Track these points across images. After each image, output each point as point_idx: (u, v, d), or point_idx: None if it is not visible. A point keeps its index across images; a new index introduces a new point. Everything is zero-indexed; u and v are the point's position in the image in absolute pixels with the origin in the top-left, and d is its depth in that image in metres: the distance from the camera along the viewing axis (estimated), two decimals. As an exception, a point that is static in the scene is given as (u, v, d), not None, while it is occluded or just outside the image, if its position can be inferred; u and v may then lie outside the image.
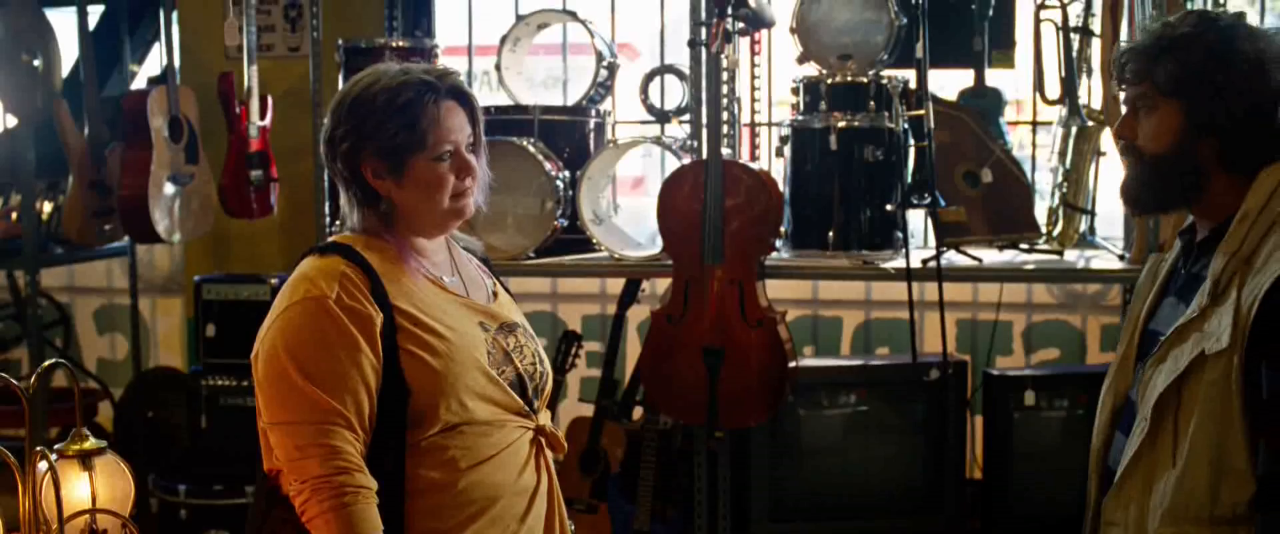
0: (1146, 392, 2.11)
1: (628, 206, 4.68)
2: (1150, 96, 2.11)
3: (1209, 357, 2.01)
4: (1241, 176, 2.10)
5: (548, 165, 4.24)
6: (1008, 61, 4.74)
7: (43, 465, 1.86)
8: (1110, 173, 4.51)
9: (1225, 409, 2.00)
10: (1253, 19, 4.75)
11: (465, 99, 2.31)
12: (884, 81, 4.13)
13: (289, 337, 2.17)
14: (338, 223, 2.46)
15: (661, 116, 4.55)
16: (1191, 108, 2.06)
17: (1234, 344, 1.98)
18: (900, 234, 4.13)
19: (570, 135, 4.49)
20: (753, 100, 4.67)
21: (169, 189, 4.78)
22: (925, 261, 4.11)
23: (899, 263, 4.06)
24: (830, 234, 4.10)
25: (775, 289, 4.13)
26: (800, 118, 4.20)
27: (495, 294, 2.47)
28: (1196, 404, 2.03)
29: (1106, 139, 4.30)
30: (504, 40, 4.61)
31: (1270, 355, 1.95)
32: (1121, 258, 4.29)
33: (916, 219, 4.55)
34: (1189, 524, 2.03)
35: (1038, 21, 4.40)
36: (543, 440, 2.38)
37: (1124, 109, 2.20)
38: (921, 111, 4.05)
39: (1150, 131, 2.12)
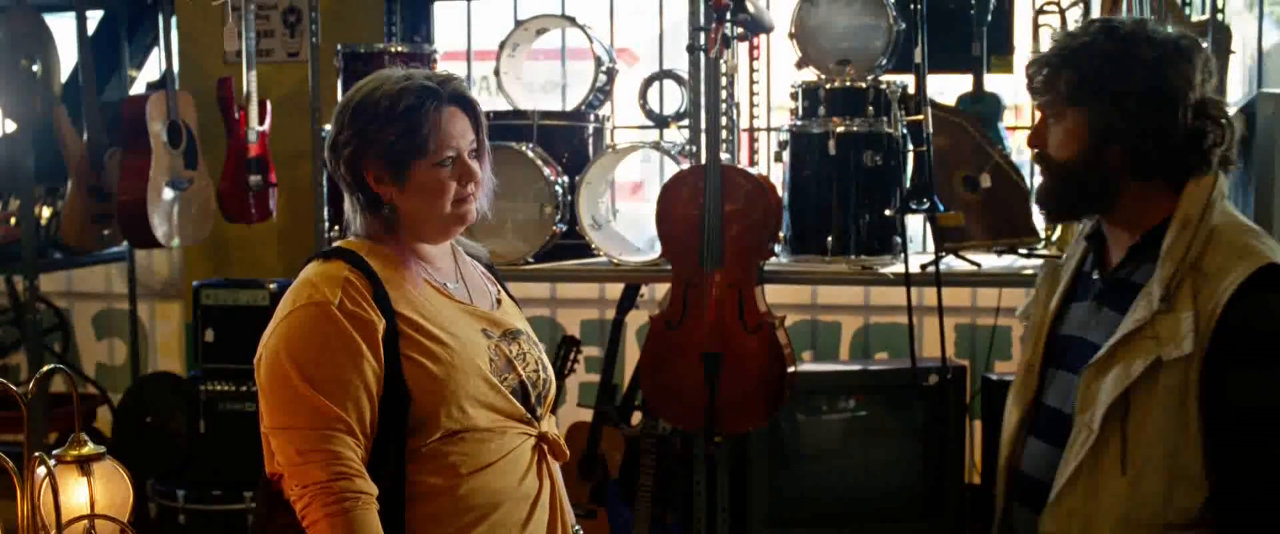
0: (1089, 400, 2.11)
1: (626, 211, 4.68)
2: (1056, 105, 2.14)
3: (1166, 363, 2.02)
4: (1158, 183, 2.13)
5: (546, 170, 4.23)
6: (1006, 66, 4.74)
7: (41, 471, 1.86)
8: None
9: (1181, 416, 2.01)
10: (1250, 23, 4.76)
11: (468, 104, 2.31)
12: (883, 86, 4.13)
13: (292, 342, 2.17)
14: (336, 229, 2.46)
15: (660, 121, 4.55)
16: (1094, 115, 2.09)
17: (1195, 350, 1.99)
18: (899, 239, 4.13)
19: (569, 140, 4.49)
20: (751, 105, 4.67)
21: (168, 194, 4.78)
22: (924, 266, 4.11)
23: (898, 268, 4.06)
24: (829, 239, 4.09)
25: (774, 294, 4.12)
26: (799, 123, 4.20)
27: (499, 301, 2.47)
28: (1149, 411, 2.04)
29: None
30: (503, 45, 4.61)
31: (1238, 363, 1.98)
32: (1120, 263, 4.28)
33: (915, 224, 4.55)
34: (1142, 530, 2.05)
35: (1036, 26, 4.40)
36: (545, 447, 2.38)
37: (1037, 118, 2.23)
38: (920, 116, 4.05)
39: (1058, 140, 2.15)
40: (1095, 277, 2.28)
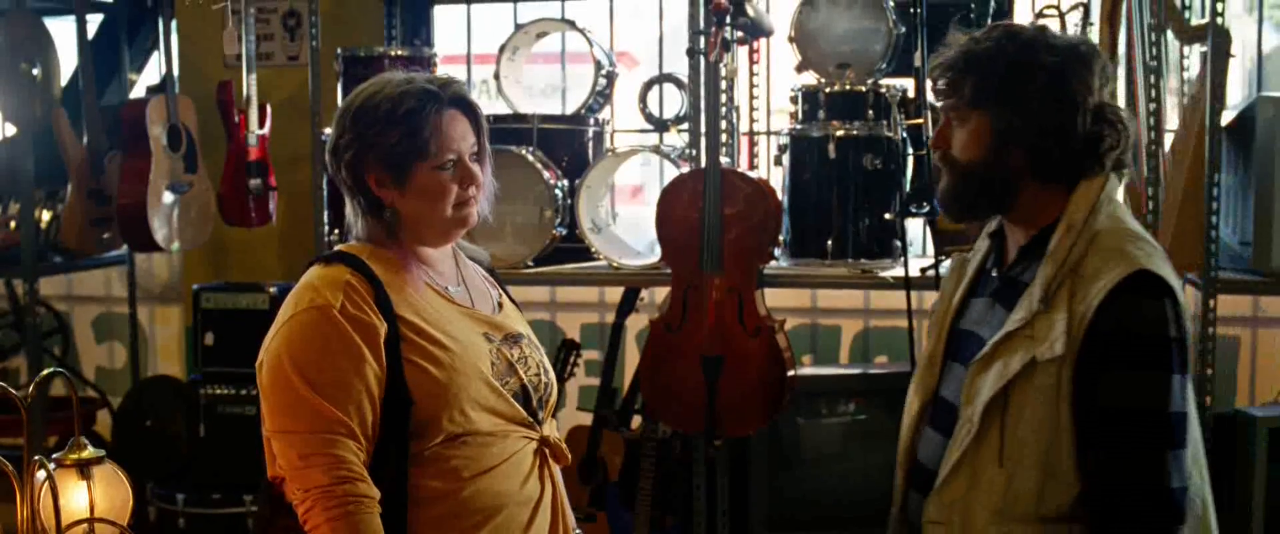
0: (972, 394, 2.17)
1: (626, 215, 4.68)
2: (960, 109, 2.19)
3: (1040, 363, 2.09)
4: (1054, 185, 2.19)
5: (546, 174, 4.24)
6: (1006, 70, 4.73)
7: (41, 474, 1.86)
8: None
9: (1054, 414, 2.08)
10: (1249, 27, 4.76)
11: (469, 108, 2.32)
12: (882, 90, 4.13)
13: (293, 345, 2.17)
14: (336, 233, 2.46)
15: (660, 125, 4.56)
16: (997, 119, 2.14)
17: (1067, 352, 2.06)
18: (899, 242, 4.13)
19: (569, 144, 4.49)
20: (751, 109, 4.67)
21: (168, 198, 4.78)
22: (924, 270, 4.11)
23: (898, 271, 4.06)
24: (829, 243, 4.10)
25: (774, 298, 4.12)
26: (799, 126, 4.20)
27: (501, 305, 2.48)
28: (1025, 408, 2.11)
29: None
30: (503, 49, 4.62)
31: (1106, 365, 2.04)
32: (1120, 266, 4.28)
33: (915, 227, 4.55)
34: (1016, 523, 2.11)
35: (1036, 30, 4.40)
36: (547, 451, 2.38)
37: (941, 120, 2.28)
38: (920, 120, 4.05)
39: (962, 142, 2.20)
40: (994, 274, 2.35)
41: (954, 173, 2.23)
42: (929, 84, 2.27)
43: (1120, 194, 2.21)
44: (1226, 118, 3.96)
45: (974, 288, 2.39)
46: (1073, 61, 2.12)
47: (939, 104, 2.26)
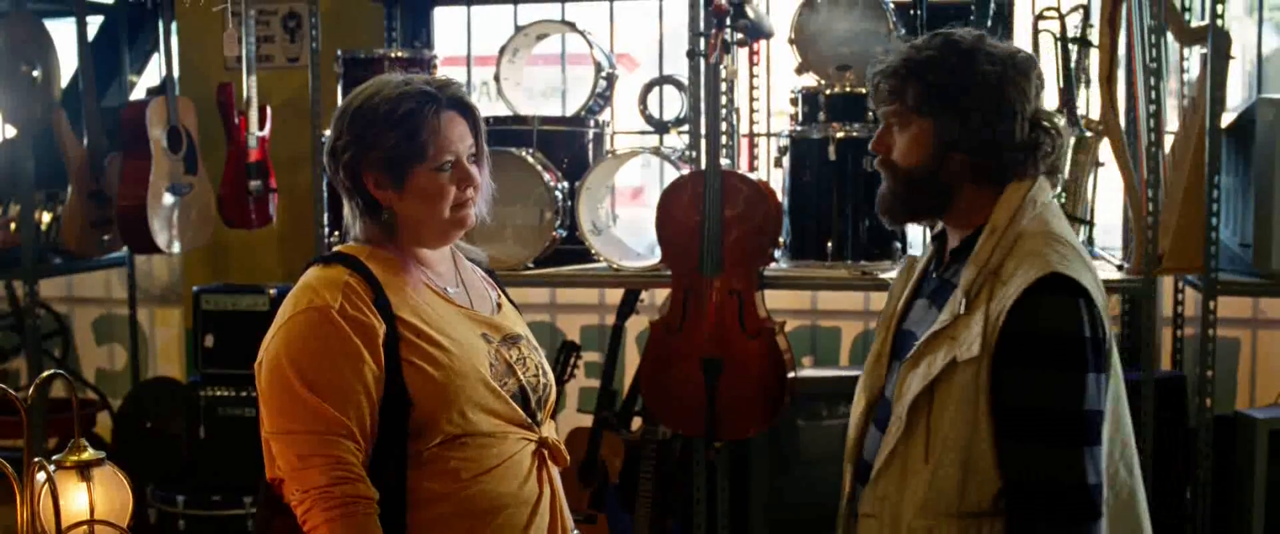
0: (901, 392, 2.23)
1: (626, 217, 4.68)
2: (903, 115, 2.24)
3: (960, 363, 2.14)
4: (989, 188, 2.25)
5: (546, 176, 4.24)
6: (1006, 72, 4.73)
7: (41, 476, 1.86)
8: (1109, 183, 4.51)
9: (974, 413, 2.12)
10: (1249, 29, 4.76)
11: (467, 110, 2.32)
12: (883, 92, 4.13)
13: (292, 346, 2.18)
14: (336, 234, 2.46)
15: (660, 127, 4.56)
16: (939, 126, 2.19)
17: (983, 353, 2.11)
18: (899, 244, 4.14)
19: (569, 146, 4.49)
20: (751, 111, 4.67)
21: (168, 199, 4.78)
22: (924, 272, 4.11)
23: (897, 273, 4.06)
24: (829, 244, 4.10)
25: (774, 299, 4.13)
26: (799, 128, 4.20)
27: (499, 306, 2.48)
28: (947, 406, 2.16)
29: (1105, 150, 4.31)
30: (503, 51, 4.62)
31: (1015, 364, 2.09)
32: (1120, 268, 4.29)
33: (915, 230, 4.55)
34: (939, 518, 2.16)
35: (1036, 32, 4.41)
36: (546, 452, 2.38)
37: (881, 125, 2.33)
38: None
39: (903, 147, 2.25)
40: (934, 275, 2.41)
41: (894, 177, 2.28)
42: (870, 90, 2.32)
43: (1050, 196, 2.25)
44: (1226, 119, 3.96)
45: (918, 289, 2.46)
46: (1012, 71, 2.19)
47: (879, 109, 2.31)
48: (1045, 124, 2.22)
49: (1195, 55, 4.30)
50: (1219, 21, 3.79)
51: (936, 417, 2.17)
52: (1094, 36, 4.31)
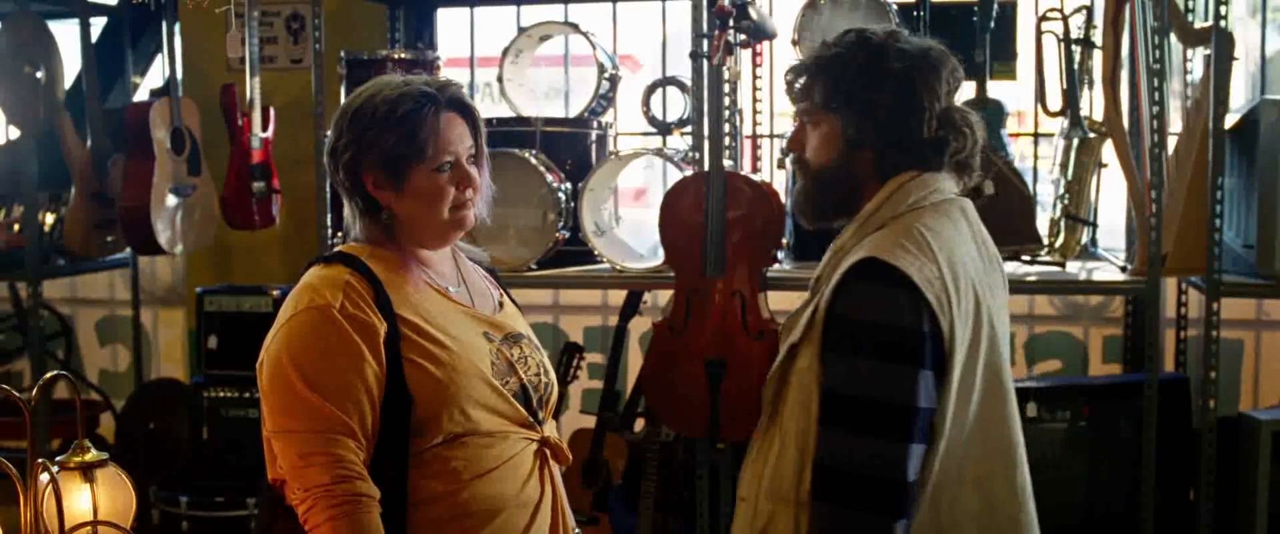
0: (768, 378, 2.24)
1: (629, 218, 4.68)
2: (813, 113, 2.22)
3: (798, 347, 2.14)
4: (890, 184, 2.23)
5: (549, 177, 4.24)
6: (1009, 73, 4.74)
7: (44, 477, 1.86)
8: (1112, 185, 4.51)
9: (809, 397, 2.11)
10: (1253, 30, 4.76)
11: (466, 110, 2.32)
12: (886, 93, 4.13)
13: (293, 345, 2.18)
14: (339, 235, 2.47)
15: (663, 128, 4.56)
16: (846, 123, 2.17)
17: (812, 335, 2.10)
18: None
19: (572, 147, 4.49)
20: (754, 112, 4.67)
21: (171, 200, 4.78)
22: (927, 273, 4.11)
23: (901, 274, 4.05)
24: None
25: (777, 301, 4.12)
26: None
27: (501, 305, 2.48)
28: (790, 391, 2.16)
29: (1108, 151, 4.31)
30: (506, 52, 4.62)
31: (828, 349, 2.06)
32: (1123, 269, 4.29)
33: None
34: (780, 502, 2.15)
35: (1039, 33, 4.41)
36: (547, 452, 2.38)
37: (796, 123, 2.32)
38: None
39: (814, 145, 2.24)
40: None
41: (806, 176, 2.27)
42: (784, 87, 2.30)
43: (943, 192, 2.20)
44: (1230, 121, 3.96)
45: None
46: (921, 67, 2.16)
47: (793, 108, 2.29)
48: (955, 121, 2.19)
49: (1198, 56, 4.29)
50: (1222, 23, 3.78)
51: (784, 402, 2.17)
52: (1097, 38, 4.31)
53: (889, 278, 2.03)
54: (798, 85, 2.24)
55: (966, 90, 4.63)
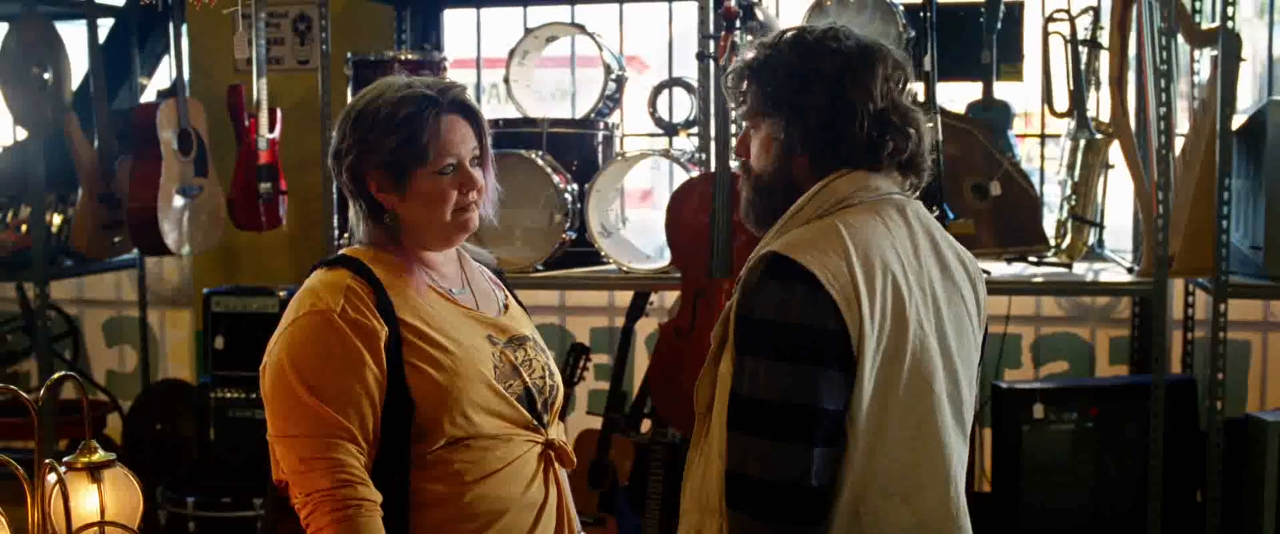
0: (700, 384, 2.15)
1: (636, 219, 4.68)
2: (751, 117, 2.17)
3: (722, 352, 2.05)
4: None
5: (556, 178, 4.24)
6: (1016, 74, 4.74)
7: (52, 477, 1.86)
8: (1119, 185, 4.51)
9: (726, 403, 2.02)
10: (1260, 31, 4.75)
11: (469, 112, 2.31)
12: (892, 94, 4.12)
13: (294, 351, 2.18)
14: (346, 236, 2.47)
15: (670, 129, 4.56)
16: (780, 126, 2.11)
17: (725, 339, 2.02)
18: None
19: (579, 148, 4.49)
20: (761, 113, 4.66)
21: (178, 201, 4.79)
22: (934, 274, 4.10)
23: (907, 275, 4.05)
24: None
25: (783, 302, 4.12)
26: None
27: (506, 307, 2.47)
28: (719, 398, 2.05)
29: (1115, 152, 4.30)
30: (512, 53, 4.62)
31: (737, 348, 1.98)
32: (1130, 270, 4.28)
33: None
34: (705, 513, 2.07)
35: (1046, 34, 4.40)
36: (552, 454, 2.38)
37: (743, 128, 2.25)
38: (930, 124, 4.05)
39: (755, 151, 2.18)
40: None
41: (749, 181, 2.20)
42: (727, 89, 2.24)
43: (875, 191, 2.10)
44: (1237, 122, 3.96)
45: None
46: (853, 67, 2.08)
47: (735, 112, 2.26)
48: (893, 120, 2.09)
49: (1206, 57, 4.29)
50: (1229, 24, 3.78)
51: (714, 410, 2.07)
52: (1104, 39, 4.31)
53: (789, 273, 1.95)
54: (737, 90, 2.19)
55: (972, 91, 4.64)
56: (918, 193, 2.19)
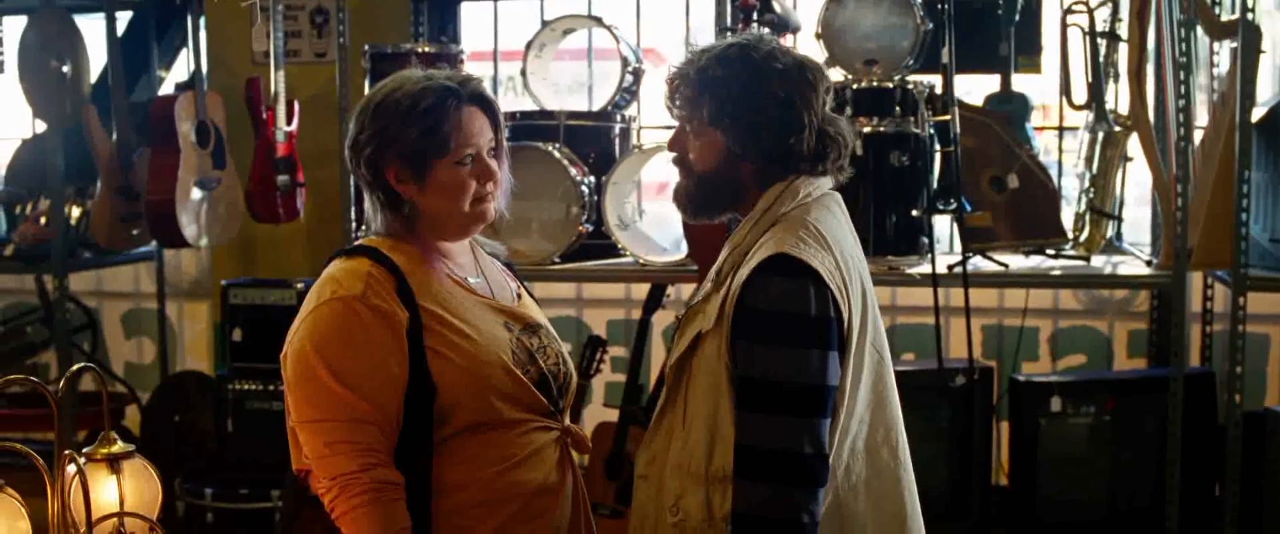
0: (669, 361, 2.35)
1: (653, 212, 4.68)
2: (696, 124, 2.34)
3: (705, 335, 2.24)
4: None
5: (573, 170, 4.24)
6: (1034, 66, 4.72)
7: (71, 468, 1.87)
8: (1137, 178, 4.49)
9: (718, 382, 2.22)
10: (1275, 27, 4.73)
11: (487, 104, 2.33)
12: (910, 86, 4.12)
13: (318, 336, 2.19)
14: (364, 229, 2.48)
15: (686, 122, 4.54)
16: (730, 138, 2.30)
17: (720, 325, 2.21)
18: (926, 239, 4.12)
19: (596, 140, 4.49)
20: (778, 105, 4.66)
21: (196, 194, 4.80)
22: (951, 267, 4.10)
23: (925, 268, 4.05)
24: (855, 239, 4.08)
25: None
26: (826, 123, 4.18)
27: (519, 295, 2.49)
28: (698, 375, 2.27)
29: (1133, 144, 4.29)
30: (529, 46, 4.62)
31: (741, 337, 2.18)
32: (1148, 263, 4.27)
33: (942, 224, 4.54)
34: (689, 479, 2.26)
35: (1064, 26, 4.39)
36: (568, 441, 2.40)
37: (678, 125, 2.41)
38: (948, 116, 4.04)
39: (698, 153, 2.35)
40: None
41: (689, 177, 2.38)
42: (666, 90, 2.40)
43: (823, 190, 2.35)
44: (1257, 114, 3.94)
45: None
46: (801, 86, 2.29)
47: (675, 113, 2.40)
48: (831, 133, 2.33)
49: (1225, 50, 4.27)
50: (1249, 15, 3.76)
51: (689, 384, 2.28)
52: (1123, 31, 4.29)
53: (794, 270, 2.17)
54: (681, 98, 2.35)
55: (990, 83, 4.62)
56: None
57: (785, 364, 2.15)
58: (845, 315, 2.19)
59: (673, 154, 2.42)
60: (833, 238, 2.26)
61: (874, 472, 2.31)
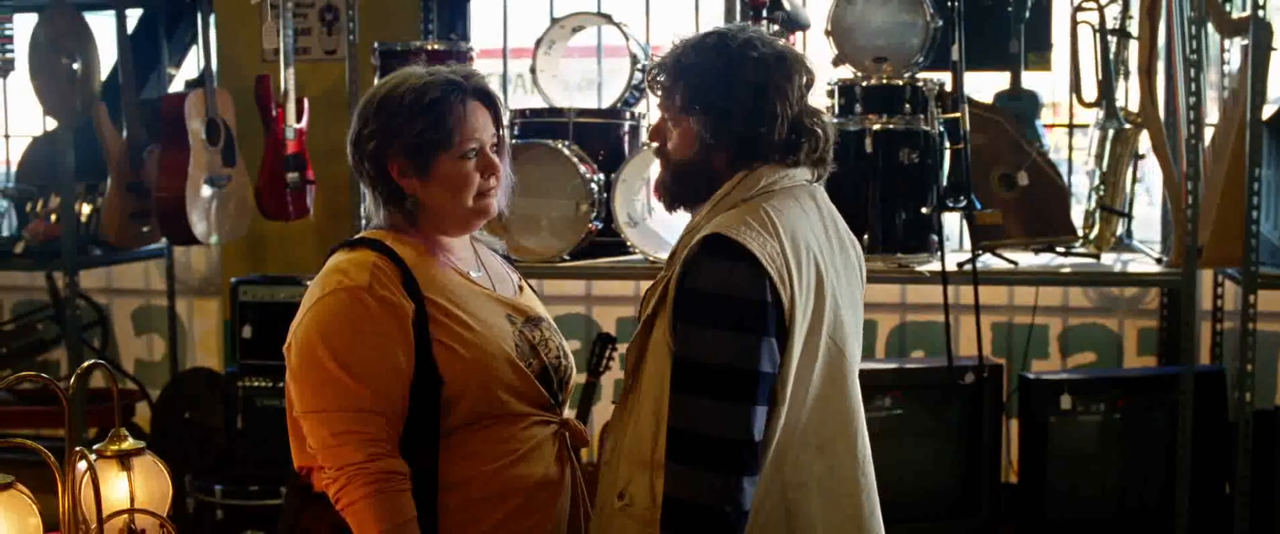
0: (628, 348, 2.34)
1: (662, 209, 4.67)
2: (673, 113, 2.34)
3: (656, 318, 2.23)
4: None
5: (582, 168, 4.24)
6: (1044, 64, 4.71)
7: (82, 465, 1.88)
8: (1148, 176, 4.48)
9: (663, 366, 2.19)
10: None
11: (490, 99, 2.34)
12: (920, 84, 4.12)
13: (324, 326, 2.20)
14: (364, 222, 2.49)
15: (696, 119, 4.54)
16: (704, 127, 2.29)
17: (662, 307, 2.21)
18: (936, 237, 4.12)
19: (605, 138, 4.49)
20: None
21: (206, 191, 4.81)
22: (961, 265, 4.10)
23: (934, 266, 4.04)
24: (865, 237, 4.08)
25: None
26: (835, 120, 4.18)
27: (520, 288, 2.50)
28: (648, 361, 2.25)
29: (1144, 142, 4.28)
30: (539, 43, 4.62)
31: (679, 319, 2.16)
32: (1159, 261, 4.26)
33: (952, 222, 4.53)
34: (636, 466, 2.22)
35: (1075, 23, 4.38)
36: (567, 435, 2.41)
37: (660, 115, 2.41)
38: (957, 114, 4.04)
39: (675, 142, 2.36)
40: None
41: (667, 166, 2.39)
42: (646, 82, 2.42)
43: (794, 179, 2.31)
44: (1268, 112, 3.93)
45: None
46: (775, 75, 2.27)
47: (655, 101, 2.39)
48: (808, 123, 2.30)
49: (1236, 47, 4.26)
50: (1260, 12, 3.75)
51: (642, 370, 2.26)
52: (1133, 28, 4.28)
53: (732, 252, 2.14)
54: (659, 87, 2.35)
55: (1000, 81, 4.62)
56: (823, 181, 2.41)
57: (713, 346, 2.13)
58: (786, 302, 2.15)
59: (654, 144, 2.42)
60: (787, 226, 2.21)
61: (826, 469, 2.27)
